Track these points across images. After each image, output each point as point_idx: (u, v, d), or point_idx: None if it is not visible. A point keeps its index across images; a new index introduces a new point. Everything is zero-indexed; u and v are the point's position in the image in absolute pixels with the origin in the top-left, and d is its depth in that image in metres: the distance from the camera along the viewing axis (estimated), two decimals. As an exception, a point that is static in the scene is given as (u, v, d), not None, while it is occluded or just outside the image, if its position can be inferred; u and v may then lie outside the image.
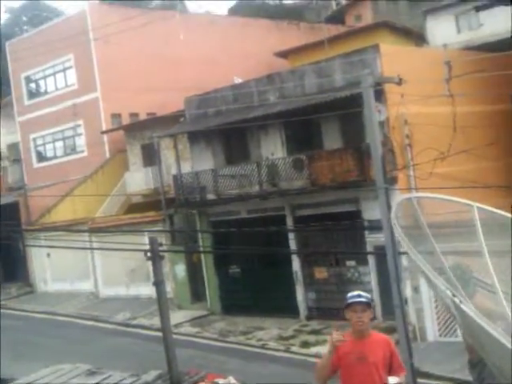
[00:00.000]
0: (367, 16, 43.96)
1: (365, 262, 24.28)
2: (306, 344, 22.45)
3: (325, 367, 7.08)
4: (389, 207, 16.86)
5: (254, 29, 45.38)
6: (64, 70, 42.69)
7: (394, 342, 7.72)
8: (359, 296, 7.00)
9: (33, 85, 46.24)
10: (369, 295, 7.22)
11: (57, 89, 43.35)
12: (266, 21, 48.31)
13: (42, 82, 45.30)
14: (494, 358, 5.77)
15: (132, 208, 36.09)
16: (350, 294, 7.09)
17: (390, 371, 7.01)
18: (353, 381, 7.00)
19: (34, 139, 45.39)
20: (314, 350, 21.44)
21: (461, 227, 7.27)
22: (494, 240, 6.81)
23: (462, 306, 5.26)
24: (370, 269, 23.98)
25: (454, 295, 5.33)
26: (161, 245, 17.69)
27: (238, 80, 31.39)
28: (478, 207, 6.98)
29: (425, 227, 6.77)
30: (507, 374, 5.85)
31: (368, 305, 7.01)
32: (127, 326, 28.61)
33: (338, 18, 47.84)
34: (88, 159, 40.29)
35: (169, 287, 29.06)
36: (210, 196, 28.01)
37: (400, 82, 15.84)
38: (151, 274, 27.72)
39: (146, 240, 26.33)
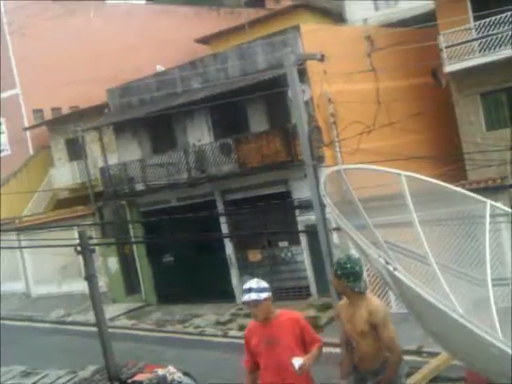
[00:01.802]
0: (287, -2, 43.98)
1: (297, 242, 24.43)
2: (243, 327, 22.25)
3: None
4: (318, 185, 17.02)
5: (174, 16, 44.95)
6: (-20, 66, 41.44)
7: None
8: (249, 291, 6.75)
9: None
10: (262, 282, 6.87)
11: (-26, 87, 42.07)
12: (186, 8, 47.89)
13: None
14: (430, 324, 5.79)
15: (60, 204, 35.38)
16: (244, 286, 6.86)
17: (305, 347, 6.87)
18: (266, 366, 6.90)
19: (-48, 140, 44.01)
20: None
21: (391, 199, 7.30)
22: (424, 210, 6.86)
23: (395, 273, 5.27)
24: (302, 248, 24.13)
25: (387, 263, 5.33)
26: (90, 238, 17.38)
27: (160, 68, 31.10)
28: (405, 176, 7.03)
29: (355, 200, 6.78)
30: (444, 339, 5.87)
31: (256, 301, 6.75)
32: (62, 323, 28.13)
33: (257, 1, 47.75)
34: (11, 157, 39.28)
35: (102, 281, 28.68)
36: (139, 186, 27.73)
37: (322, 59, 15.93)
38: (83, 270, 27.39)
39: (76, 235, 26.07)
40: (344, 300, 7.23)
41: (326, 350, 7.23)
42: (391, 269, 5.24)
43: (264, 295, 6.76)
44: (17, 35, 37.45)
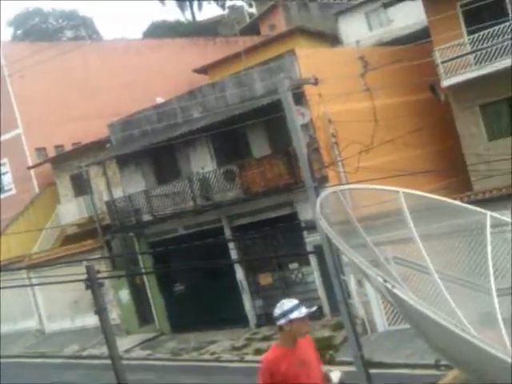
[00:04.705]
0: (281, 24, 44.54)
1: (307, 263, 24.56)
2: (259, 351, 22.45)
3: None
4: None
5: (171, 48, 45.43)
6: (-18, 109, 41.84)
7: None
8: (300, 305, 6.72)
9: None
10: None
11: (-24, 130, 42.45)
12: (182, 39, 48.43)
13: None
14: (436, 341, 5.79)
15: (68, 239, 35.58)
16: (290, 305, 6.72)
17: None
18: None
19: (-41, 183, 44.31)
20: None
21: (391, 216, 7.38)
22: (424, 225, 6.95)
23: (394, 290, 5.28)
24: (312, 268, 24.26)
25: (385, 281, 5.35)
26: (98, 272, 17.51)
27: (160, 100, 31.35)
28: (403, 192, 7.15)
29: (353, 220, 6.87)
30: (451, 355, 5.92)
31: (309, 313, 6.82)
32: (77, 358, 28.18)
33: (252, 29, 48.36)
34: (17, 196, 39.58)
35: (114, 313, 28.85)
36: (146, 217, 27.90)
37: (316, 82, 16.14)
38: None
39: (85, 269, 26.27)
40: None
41: (341, 368, 7.31)
42: (389, 287, 5.26)
43: None
44: (16, 77, 37.91)
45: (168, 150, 26.94)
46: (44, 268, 28.77)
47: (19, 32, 70.73)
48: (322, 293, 23.85)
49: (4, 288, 27.01)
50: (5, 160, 40.58)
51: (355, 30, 33.21)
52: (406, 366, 18.32)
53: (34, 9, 72.30)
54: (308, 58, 23.78)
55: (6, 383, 24.91)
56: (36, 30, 68.59)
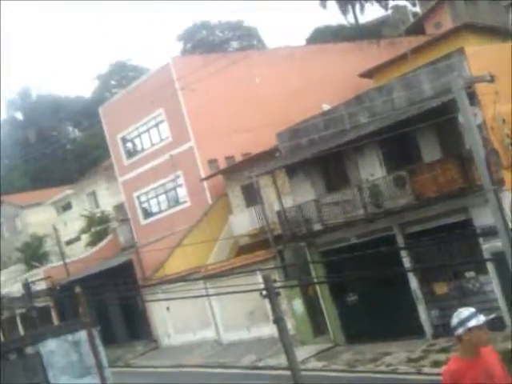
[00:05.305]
0: (447, 22, 43.12)
1: (484, 271, 23.39)
2: (437, 363, 21.67)
3: None
4: (501, 210, 16.30)
5: (334, 53, 45.30)
6: (156, 124, 43.70)
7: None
8: (477, 313, 6.52)
9: (129, 144, 47.53)
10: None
11: (152, 144, 44.37)
12: (345, 44, 48.20)
13: (137, 140, 46.50)
14: None
15: (241, 250, 36.24)
16: (467, 314, 6.52)
17: None
18: None
19: (138, 197, 46.48)
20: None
21: None
22: None
23: None
24: (491, 277, 23.07)
25: None
26: (275, 281, 17.57)
27: (326, 107, 31.22)
28: None
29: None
30: None
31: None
32: (255, 368, 28.49)
33: (417, 28, 47.23)
34: (191, 208, 40.90)
35: (289, 324, 28.87)
36: (316, 226, 27.79)
37: (492, 80, 15.37)
38: (270, 314, 27.76)
39: (260, 279, 26.54)
40: None
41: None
42: None
43: None
44: (187, 92, 39.11)
45: (336, 157, 26.72)
46: (220, 279, 29.33)
47: (188, 46, 73.53)
48: (501, 302, 22.62)
49: (183, 298, 27.95)
50: (179, 172, 42.04)
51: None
52: None
53: (202, 22, 74.83)
54: (478, 56, 22.76)
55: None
56: (203, 43, 71.02)
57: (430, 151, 24.49)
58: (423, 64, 25.87)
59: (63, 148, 75.91)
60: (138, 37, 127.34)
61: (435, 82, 23.83)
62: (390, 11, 61.52)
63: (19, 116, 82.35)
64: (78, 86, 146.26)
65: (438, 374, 20.45)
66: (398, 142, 24.74)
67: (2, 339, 42.56)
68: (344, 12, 64.94)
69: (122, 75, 79.07)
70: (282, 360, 24.66)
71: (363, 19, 66.00)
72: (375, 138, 24.68)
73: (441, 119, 22.01)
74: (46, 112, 77.22)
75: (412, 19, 54.20)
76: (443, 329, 24.27)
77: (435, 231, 23.15)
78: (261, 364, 28.66)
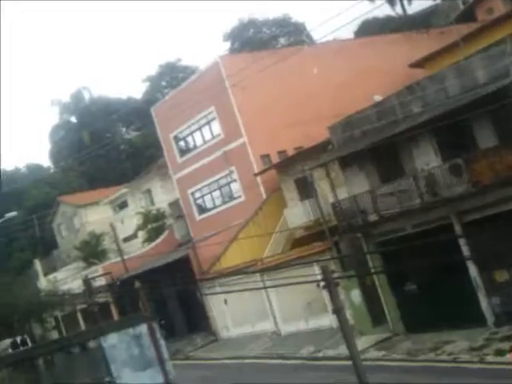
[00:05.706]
0: (499, 7, 42.59)
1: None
2: (500, 352, 21.50)
3: None
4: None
5: (383, 45, 45.18)
6: (208, 122, 44.20)
7: None
8: None
9: (182, 142, 48.19)
10: None
11: (205, 142, 44.91)
12: (394, 35, 48.02)
13: (189, 139, 47.11)
14: None
15: (297, 242, 36.45)
16: None
17: None
18: None
19: (192, 193, 47.07)
20: (510, 357, 20.58)
21: None
22: None
23: None
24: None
25: None
26: (333, 272, 17.70)
27: (378, 98, 31.19)
28: None
29: None
30: None
31: None
32: (314, 359, 28.67)
33: (467, 16, 46.72)
34: (246, 203, 41.29)
35: (348, 314, 28.99)
36: (372, 217, 27.81)
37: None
38: (328, 304, 27.93)
39: (316, 271, 26.75)
40: None
41: None
42: None
43: None
44: (237, 89, 39.52)
45: (389, 147, 26.70)
46: (277, 271, 29.63)
47: (236, 45, 73.83)
48: None
49: (242, 291, 28.34)
50: (232, 168, 42.49)
51: None
52: None
53: (249, 20, 75.06)
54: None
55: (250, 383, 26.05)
56: (251, 41, 71.25)
57: (486, 138, 24.34)
58: (476, 51, 25.69)
59: (117, 149, 77.17)
60: (185, 37, 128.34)
61: (489, 68, 23.69)
62: (438, 0, 61.02)
63: (73, 119, 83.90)
64: (129, 87, 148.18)
65: (502, 363, 20.45)
66: (452, 131, 24.63)
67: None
68: (391, 3, 64.63)
69: (171, 76, 79.93)
70: (341, 350, 24.84)
71: (411, 10, 65.58)
72: (429, 127, 24.62)
73: (496, 105, 21.90)
74: (99, 114, 78.66)
75: (462, 6, 53.62)
76: (506, 316, 24.13)
77: (494, 218, 23.02)
78: (320, 355, 28.82)
